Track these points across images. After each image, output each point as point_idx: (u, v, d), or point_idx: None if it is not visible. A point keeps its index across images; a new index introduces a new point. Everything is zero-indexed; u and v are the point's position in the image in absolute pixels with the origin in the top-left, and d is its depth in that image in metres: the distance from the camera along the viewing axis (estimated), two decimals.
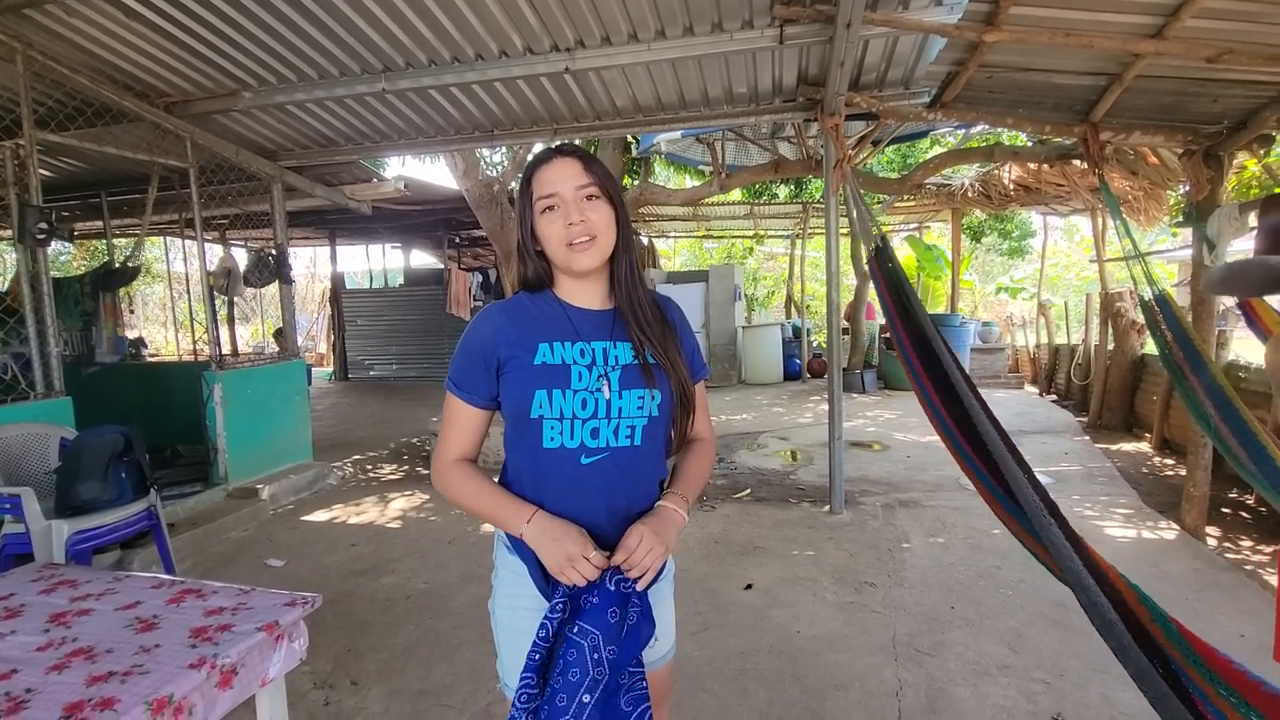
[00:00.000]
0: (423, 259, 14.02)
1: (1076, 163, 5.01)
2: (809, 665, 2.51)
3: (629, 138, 6.71)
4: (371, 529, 4.24)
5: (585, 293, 1.22)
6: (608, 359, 1.17)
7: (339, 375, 12.39)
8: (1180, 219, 6.63)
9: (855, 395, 8.97)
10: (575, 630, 1.05)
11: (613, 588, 1.08)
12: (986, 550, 3.55)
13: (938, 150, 8.82)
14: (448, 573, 3.44)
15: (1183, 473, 4.43)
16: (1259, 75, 3.09)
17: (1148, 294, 3.23)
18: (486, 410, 1.20)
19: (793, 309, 12.65)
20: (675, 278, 11.33)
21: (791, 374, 10.61)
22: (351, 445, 6.80)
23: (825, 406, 4.31)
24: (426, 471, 5.67)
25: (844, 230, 9.18)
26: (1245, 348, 5.82)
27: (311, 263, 17.78)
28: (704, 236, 13.66)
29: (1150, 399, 6.23)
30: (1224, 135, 3.73)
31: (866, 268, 3.47)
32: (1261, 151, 3.87)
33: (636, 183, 6.86)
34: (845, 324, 9.52)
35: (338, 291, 12.44)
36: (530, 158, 1.27)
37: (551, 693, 1.02)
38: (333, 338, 12.88)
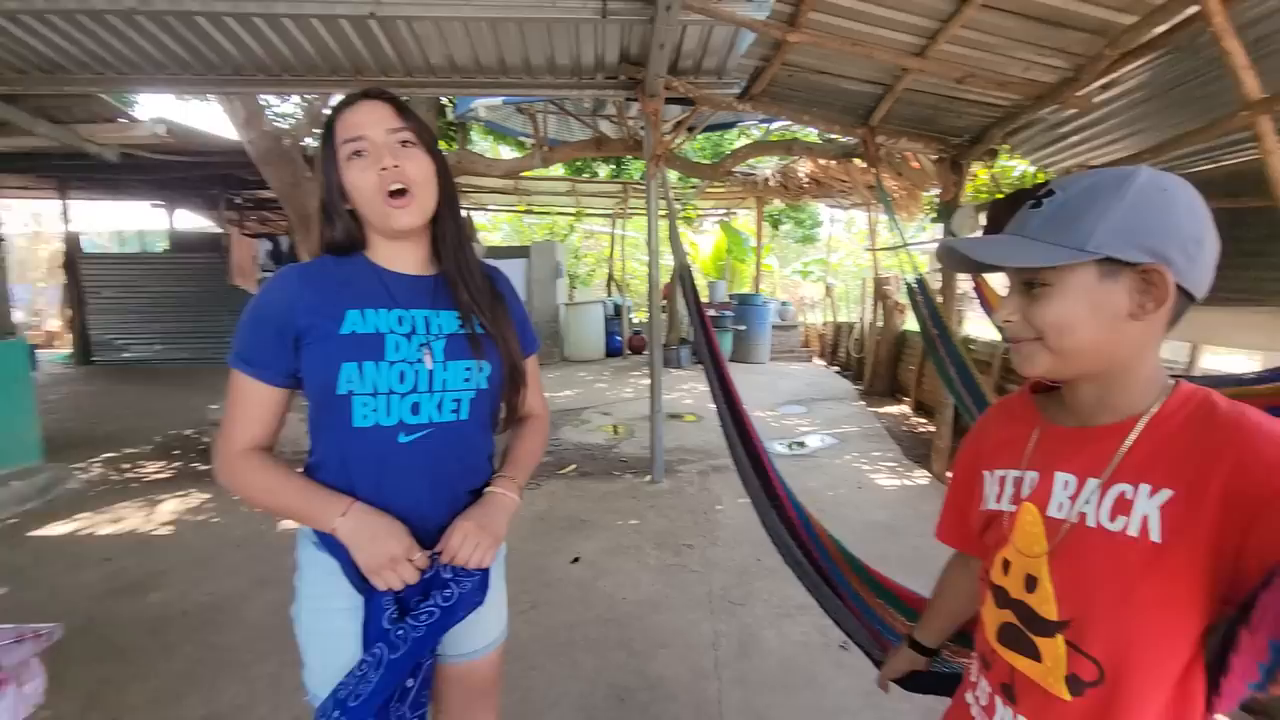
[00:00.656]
0: (195, 221, 11.99)
1: (857, 161, 5.69)
2: (635, 629, 2.61)
3: (444, 100, 6.30)
4: (133, 539, 3.57)
5: (404, 256, 1.10)
6: (430, 327, 1.07)
7: (79, 358, 10.21)
8: (933, 216, 7.87)
9: (673, 370, 9.45)
10: (401, 628, 0.98)
11: (448, 575, 1.01)
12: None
13: (744, 141, 9.51)
14: (238, 580, 3.02)
15: (932, 429, 5.33)
16: (991, 98, 3.73)
17: (909, 279, 3.77)
18: (282, 390, 1.04)
19: (614, 287, 12.93)
20: (496, 253, 11.00)
21: (613, 350, 10.89)
22: (100, 442, 5.65)
23: (646, 381, 4.48)
24: (205, 467, 4.91)
25: (663, 213, 9.58)
26: (975, 326, 7.12)
27: (36, 220, 14.37)
28: (525, 212, 13.38)
29: (910, 368, 7.37)
30: (965, 147, 4.46)
31: (677, 282, 3.68)
32: (990, 162, 4.70)
33: (455, 149, 6.47)
34: (664, 302, 9.96)
35: (73, 256, 10.16)
36: (334, 105, 1.09)
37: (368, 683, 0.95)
38: (69, 313, 10.56)
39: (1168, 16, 2.65)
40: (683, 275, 3.30)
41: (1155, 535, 0.65)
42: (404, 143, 1.03)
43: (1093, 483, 0.70)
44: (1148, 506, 0.66)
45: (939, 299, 4.10)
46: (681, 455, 5.08)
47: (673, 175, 10.56)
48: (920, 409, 6.85)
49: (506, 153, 10.83)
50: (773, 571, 3.09)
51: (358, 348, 1.00)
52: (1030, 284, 0.71)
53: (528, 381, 1.21)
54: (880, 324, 8.05)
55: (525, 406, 1.24)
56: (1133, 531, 0.66)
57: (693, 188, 10.32)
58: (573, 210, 12.90)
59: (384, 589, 0.97)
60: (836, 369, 9.84)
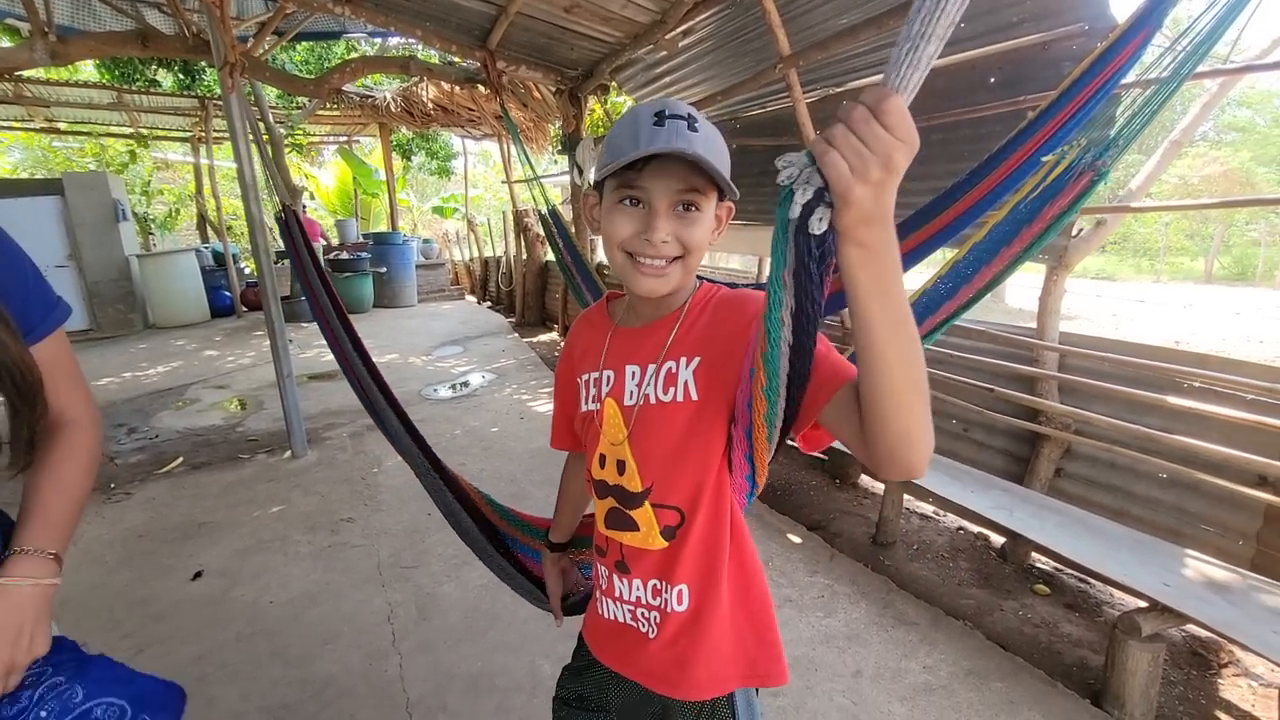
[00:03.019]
0: None
1: (482, 89, 5.51)
2: (290, 633, 2.23)
3: None
4: None
5: None
6: None
7: None
8: (559, 148, 8.21)
9: (305, 324, 8.22)
10: None
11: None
12: (453, 450, 3.84)
13: (355, 55, 8.37)
14: None
15: None
16: (598, 33, 3.91)
17: (544, 210, 3.86)
18: None
19: (209, 231, 10.50)
20: (1, 188, 7.80)
21: (221, 308, 8.95)
22: None
23: (269, 342, 3.74)
24: None
25: (264, 137, 7.91)
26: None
27: None
28: (47, 130, 9.66)
29: (555, 297, 7.77)
30: (580, 80, 4.66)
31: (275, 223, 3.09)
32: (603, 97, 5.02)
33: None
34: (280, 247, 8.46)
35: None
36: None
37: None
38: None
39: None
40: (284, 219, 2.77)
41: (695, 394, 0.81)
42: None
43: (651, 368, 0.85)
44: (686, 374, 0.82)
45: (572, 229, 4.30)
46: (328, 420, 4.48)
47: (272, 93, 8.81)
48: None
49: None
50: (445, 524, 2.97)
51: None
52: (687, 206, 0.79)
53: (49, 376, 0.80)
54: (524, 256, 8.25)
55: (54, 411, 0.83)
56: (679, 397, 0.82)
57: (298, 108, 8.80)
58: (128, 131, 9.82)
59: None
60: (488, 304, 9.87)
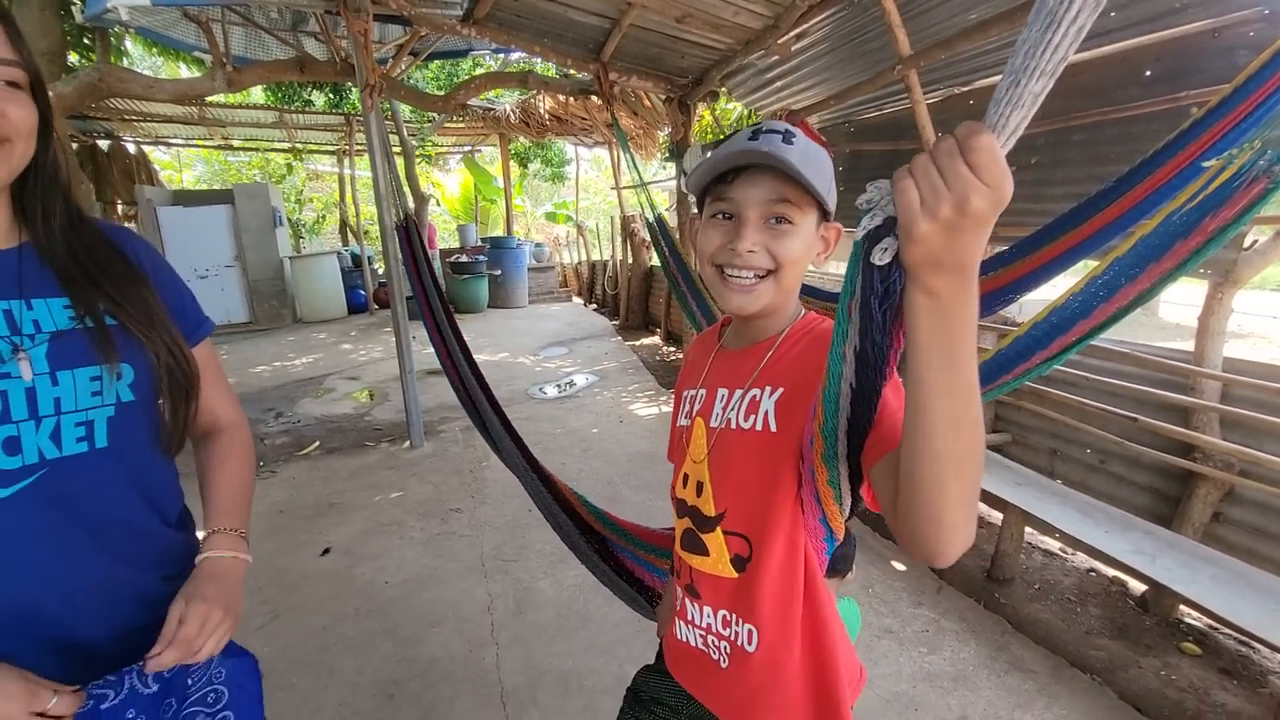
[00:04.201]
0: None
1: (595, 99, 5.67)
2: (401, 613, 2.41)
3: None
4: None
5: None
6: (17, 325, 0.73)
7: None
8: (667, 155, 8.27)
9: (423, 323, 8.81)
10: None
11: (153, 688, 0.72)
12: (553, 450, 3.97)
13: (480, 72, 8.90)
14: None
15: (680, 355, 5.76)
16: (709, 40, 3.90)
17: (650, 216, 3.90)
18: None
19: (349, 235, 11.54)
20: (185, 198, 8.99)
21: (357, 306, 9.81)
22: None
23: (394, 339, 4.06)
24: None
25: (396, 149, 8.62)
26: None
27: None
28: (224, 147, 11.06)
29: (658, 301, 7.84)
30: (690, 87, 4.67)
31: (396, 234, 3.33)
32: (712, 104, 5.01)
33: (92, 62, 4.95)
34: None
35: None
36: None
37: None
38: None
39: None
40: (405, 226, 2.98)
41: (773, 426, 0.78)
42: (9, 82, 0.69)
43: (738, 393, 0.84)
44: (768, 404, 0.79)
45: (677, 235, 4.33)
46: (443, 414, 4.79)
47: (405, 108, 9.57)
48: (670, 339, 7.37)
49: (187, 74, 8.76)
50: (544, 522, 3.09)
51: None
52: (779, 219, 0.77)
53: (203, 381, 0.90)
54: (630, 260, 8.39)
55: (205, 415, 0.94)
56: (758, 426, 0.80)
57: (429, 122, 9.47)
58: (286, 146, 11.02)
59: None
60: (594, 306, 10.13)
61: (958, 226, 0.45)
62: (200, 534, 0.91)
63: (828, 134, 4.87)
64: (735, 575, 0.83)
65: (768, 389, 0.81)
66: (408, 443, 4.17)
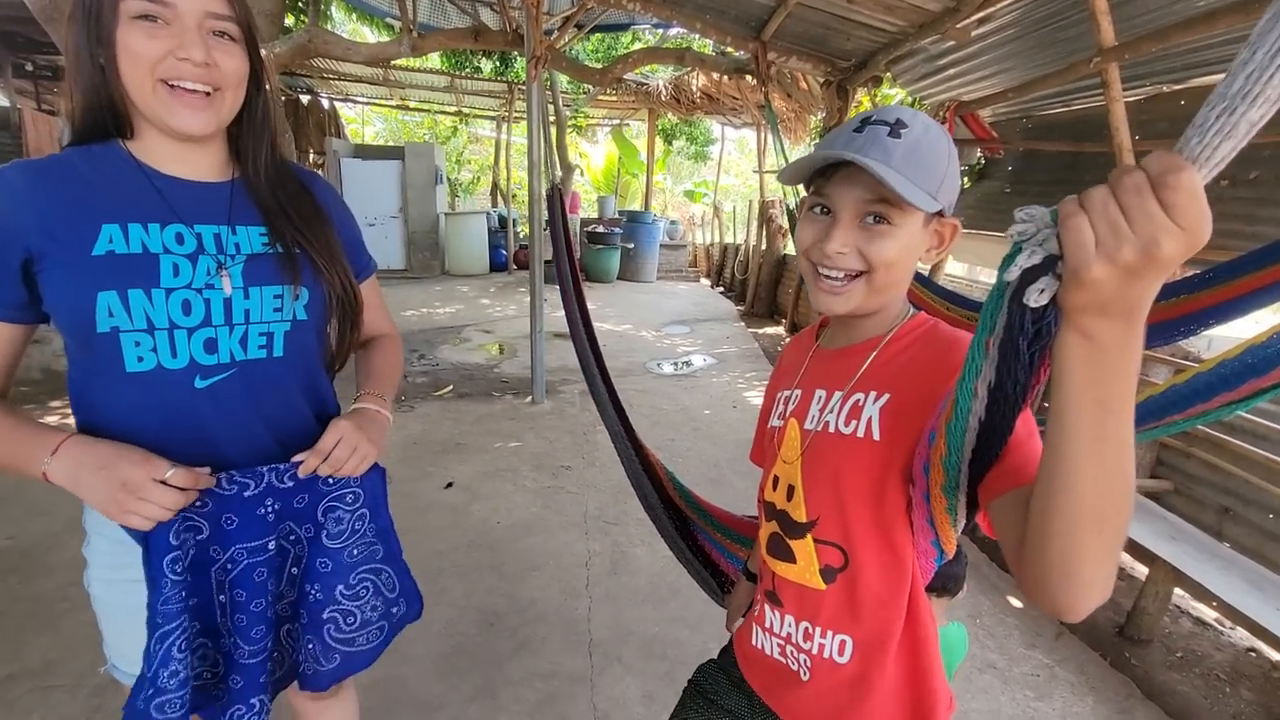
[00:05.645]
0: None
1: (749, 79, 5.57)
2: (507, 552, 2.59)
3: None
4: None
5: (187, 158, 0.87)
6: (223, 246, 0.87)
7: None
8: (818, 140, 7.96)
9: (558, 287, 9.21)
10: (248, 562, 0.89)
11: (289, 484, 0.90)
12: (664, 425, 4.05)
13: (638, 46, 9.03)
14: (49, 521, 2.65)
15: None
16: (880, 21, 3.70)
17: (791, 203, 3.81)
18: (17, 326, 0.82)
19: (499, 197, 12.24)
20: (364, 152, 9.95)
21: (498, 265, 10.43)
22: None
23: (529, 299, 4.30)
24: None
25: (551, 119, 8.99)
26: None
27: None
28: (400, 107, 12.11)
29: (788, 291, 7.65)
30: (852, 71, 4.46)
31: (545, 198, 3.47)
32: (874, 90, 4.75)
33: (303, 25, 5.59)
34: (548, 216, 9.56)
35: None
36: None
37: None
38: None
39: None
40: (550, 196, 3.11)
41: (876, 434, 0.74)
42: (221, 33, 0.80)
43: (838, 395, 0.80)
44: (872, 410, 0.75)
45: None
46: (564, 375, 5.02)
47: (563, 79, 9.92)
48: (795, 330, 7.18)
49: (374, 37, 9.63)
50: None
51: (119, 272, 0.79)
52: (876, 218, 0.72)
53: (366, 309, 1.06)
54: (764, 247, 8.23)
55: (368, 331, 1.11)
56: (860, 433, 0.75)
57: (584, 93, 9.77)
58: (454, 110, 11.85)
59: (147, 527, 0.78)
60: (721, 290, 10.06)
61: (1140, 274, 0.40)
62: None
63: (1000, 130, 4.47)
64: (823, 587, 0.80)
65: (872, 394, 0.76)
66: (530, 398, 4.43)
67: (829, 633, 0.80)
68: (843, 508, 0.77)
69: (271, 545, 0.91)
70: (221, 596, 0.90)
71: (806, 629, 0.82)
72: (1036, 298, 0.45)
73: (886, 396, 0.74)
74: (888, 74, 4.49)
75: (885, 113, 0.72)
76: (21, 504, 2.77)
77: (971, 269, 7.20)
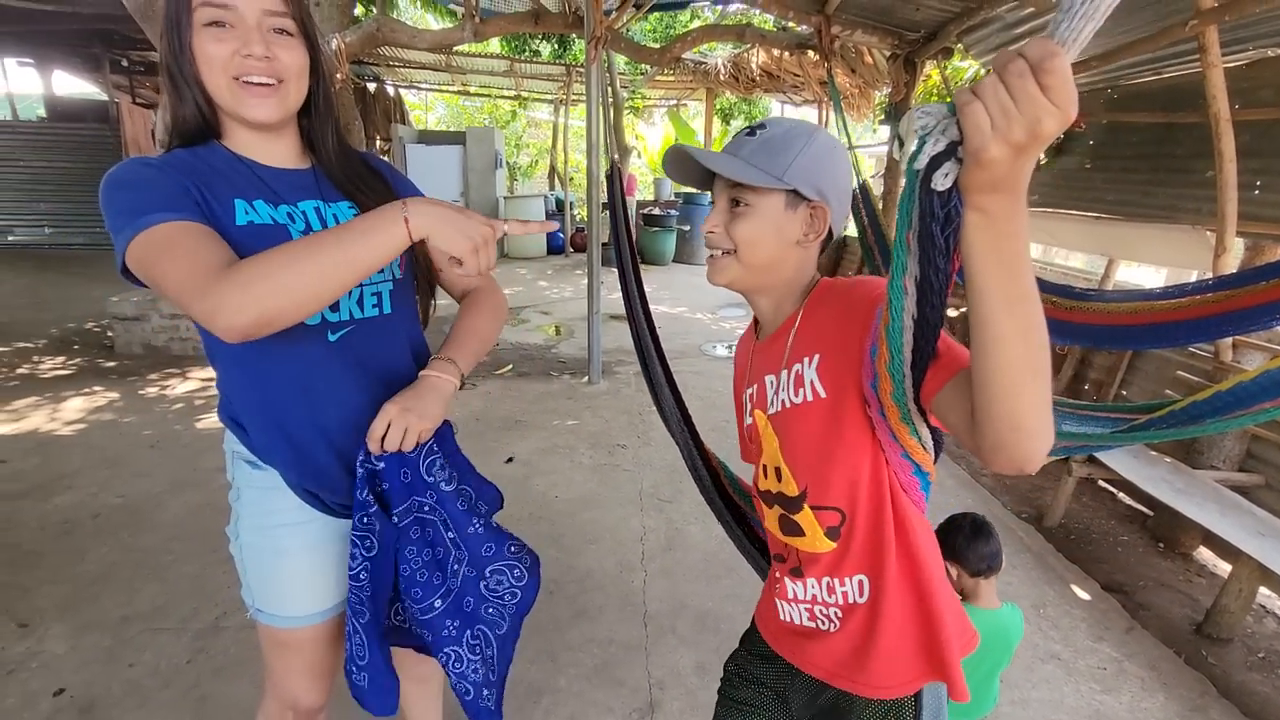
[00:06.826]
0: (75, 85, 10.55)
1: (811, 54, 5.42)
2: (565, 525, 2.68)
3: None
4: (32, 440, 3.36)
5: (271, 148, 0.96)
6: (324, 220, 0.97)
7: None
8: (883, 117, 7.71)
9: (614, 270, 9.28)
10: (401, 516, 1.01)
11: (378, 465, 0.99)
12: (719, 408, 4.06)
13: (697, 24, 8.90)
14: (151, 481, 2.90)
15: None
16: None
17: (853, 183, 3.72)
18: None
19: (556, 180, 12.37)
20: (428, 137, 10.24)
21: (555, 248, 10.57)
22: None
23: (586, 281, 4.37)
24: (110, 364, 4.61)
25: (610, 100, 8.99)
26: None
27: None
28: (461, 93, 12.34)
29: (848, 272, 7.47)
30: (920, 43, 4.29)
31: (604, 178, 3.49)
32: (944, 62, 4.56)
33: (371, 14, 5.77)
34: (604, 198, 9.60)
35: None
36: None
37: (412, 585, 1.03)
38: None
39: None
40: (610, 176, 3.15)
41: (823, 392, 0.81)
42: (279, 30, 0.88)
43: (784, 374, 0.87)
44: (810, 373, 0.82)
45: (879, 205, 4.08)
46: (619, 356, 5.08)
47: (620, 60, 9.89)
48: None
49: (435, 24, 9.83)
50: None
51: (261, 238, 0.87)
52: (736, 202, 0.84)
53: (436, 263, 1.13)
54: None
55: (462, 286, 1.17)
56: (809, 396, 0.83)
57: (641, 74, 9.71)
58: (512, 94, 11.99)
59: (488, 260, 0.84)
60: None
61: (1027, 150, 0.46)
62: None
63: (1082, 101, 4.20)
64: (832, 546, 0.86)
65: (805, 360, 0.84)
66: (586, 378, 4.52)
67: (848, 579, 0.86)
68: (820, 469, 0.84)
69: (405, 521, 1.02)
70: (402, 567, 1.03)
71: (830, 583, 0.88)
72: (943, 181, 0.51)
73: (818, 357, 0.82)
74: (959, 45, 4.30)
75: (763, 121, 0.85)
76: (130, 467, 3.04)
77: (1047, 250, 6.85)
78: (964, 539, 1.42)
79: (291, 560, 1.02)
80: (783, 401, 0.87)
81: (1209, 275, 2.66)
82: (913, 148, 0.53)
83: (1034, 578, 2.46)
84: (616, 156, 3.51)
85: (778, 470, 0.89)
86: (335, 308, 0.95)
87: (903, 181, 0.58)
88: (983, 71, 4.54)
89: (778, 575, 0.97)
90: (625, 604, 2.22)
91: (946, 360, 0.68)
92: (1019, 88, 0.44)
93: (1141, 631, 2.21)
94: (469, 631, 1.11)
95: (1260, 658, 2.14)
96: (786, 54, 6.89)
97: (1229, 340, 2.77)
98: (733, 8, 7.50)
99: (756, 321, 1.00)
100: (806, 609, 0.91)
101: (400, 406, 0.97)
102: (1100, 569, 2.59)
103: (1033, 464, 0.59)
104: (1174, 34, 2.69)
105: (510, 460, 3.26)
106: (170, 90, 0.90)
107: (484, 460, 3.23)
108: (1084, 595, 2.39)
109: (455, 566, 1.08)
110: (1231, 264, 2.74)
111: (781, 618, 0.96)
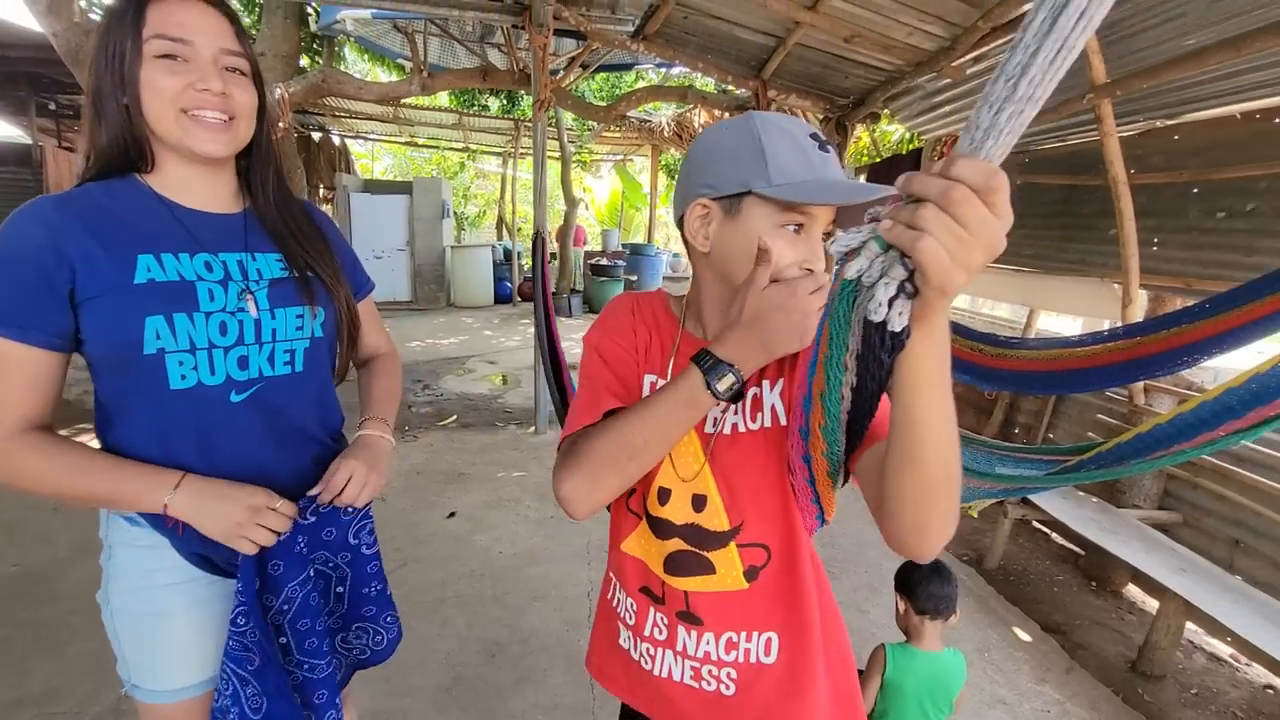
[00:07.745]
0: None
1: None
2: (510, 583, 2.57)
3: (308, 6, 5.58)
4: None
5: (202, 187, 0.92)
6: (246, 273, 0.92)
7: None
8: None
9: (563, 319, 9.29)
10: (286, 595, 0.93)
11: (311, 519, 0.94)
12: None
13: (642, 85, 9.26)
14: (53, 548, 2.65)
15: None
16: (876, 60, 3.81)
17: None
18: (56, 354, 0.84)
19: (504, 230, 12.42)
20: (374, 187, 10.14)
21: (502, 297, 10.52)
22: None
23: (534, 330, 4.33)
24: None
25: (554, 155, 9.18)
26: None
27: None
28: (409, 144, 12.38)
29: None
30: (850, 108, 4.57)
31: (530, 244, 3.57)
32: (872, 126, 4.86)
33: (318, 66, 5.77)
34: (554, 249, 9.68)
35: None
36: None
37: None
38: None
39: None
40: (534, 242, 3.22)
41: (783, 419, 0.77)
42: (233, 69, 0.88)
43: None
44: (773, 398, 0.77)
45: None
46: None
47: (569, 116, 10.15)
48: None
49: (386, 77, 9.91)
50: None
51: (162, 298, 0.84)
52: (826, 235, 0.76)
53: (364, 326, 1.11)
54: None
55: (368, 349, 1.17)
56: (768, 423, 0.77)
57: (589, 130, 9.99)
58: (461, 146, 12.11)
59: (254, 549, 0.87)
60: None
61: (980, 267, 0.44)
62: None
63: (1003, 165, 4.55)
64: (746, 586, 0.77)
65: (766, 383, 0.78)
66: (533, 428, 4.43)
67: (754, 634, 0.78)
68: (763, 504, 0.77)
69: (311, 572, 0.97)
70: (283, 639, 0.95)
71: (730, 639, 0.78)
72: (899, 321, 0.48)
73: (781, 381, 0.78)
74: (885, 110, 4.60)
75: (811, 130, 0.76)
76: (29, 531, 2.77)
77: (975, 300, 7.24)
78: (921, 575, 1.42)
79: (173, 623, 0.93)
80: (734, 425, 0.77)
81: (1119, 324, 2.85)
82: (849, 288, 0.51)
83: (978, 621, 2.49)
84: (547, 225, 3.55)
85: (700, 498, 0.77)
86: (244, 365, 0.90)
87: (833, 305, 0.55)
88: (907, 135, 4.86)
89: (660, 620, 0.82)
90: (571, 664, 2.12)
91: (877, 426, 0.65)
92: (969, 213, 0.42)
93: (1081, 671, 2.25)
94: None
95: (1193, 694, 2.20)
96: (727, 114, 7.23)
97: (1141, 384, 2.96)
98: (675, 70, 7.86)
99: (679, 322, 0.84)
100: (694, 667, 0.79)
101: (363, 463, 0.96)
102: (1039, 609, 2.65)
103: (928, 558, 0.60)
104: (1074, 105, 2.95)
105: (452, 515, 3.12)
106: (97, 118, 0.86)
107: (425, 516, 3.09)
108: (1025, 637, 2.43)
109: (324, 618, 1.01)
110: (1137, 314, 2.94)
111: (656, 672, 0.82)
